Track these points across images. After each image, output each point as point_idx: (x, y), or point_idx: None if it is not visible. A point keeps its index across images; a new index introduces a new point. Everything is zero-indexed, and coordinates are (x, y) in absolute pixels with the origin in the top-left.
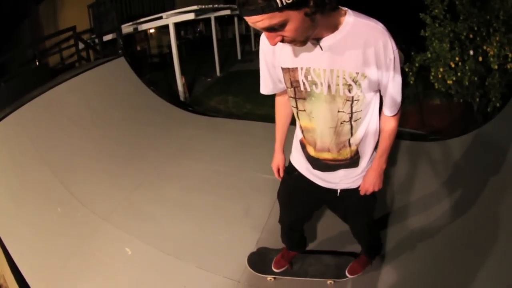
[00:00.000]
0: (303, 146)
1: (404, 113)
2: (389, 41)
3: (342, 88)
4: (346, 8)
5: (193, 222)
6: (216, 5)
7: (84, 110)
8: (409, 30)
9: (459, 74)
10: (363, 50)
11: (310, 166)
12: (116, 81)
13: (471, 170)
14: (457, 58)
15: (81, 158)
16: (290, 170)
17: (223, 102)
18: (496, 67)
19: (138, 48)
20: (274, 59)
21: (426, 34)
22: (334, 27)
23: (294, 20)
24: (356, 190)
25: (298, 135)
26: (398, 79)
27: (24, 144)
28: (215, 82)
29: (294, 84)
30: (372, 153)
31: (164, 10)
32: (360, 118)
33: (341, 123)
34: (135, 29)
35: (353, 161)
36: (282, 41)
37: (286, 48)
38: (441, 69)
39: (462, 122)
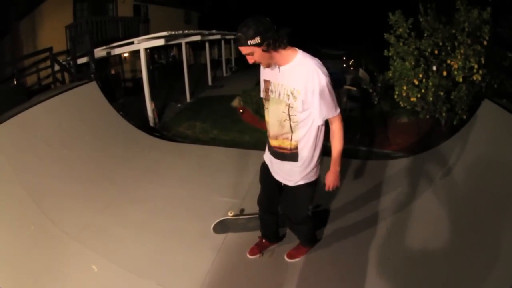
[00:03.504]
0: (268, 139)
1: (369, 133)
2: (316, 74)
3: (285, 97)
4: (297, 49)
5: (154, 242)
6: (186, 31)
7: (57, 132)
8: (376, 51)
9: (423, 90)
10: (300, 76)
11: (270, 154)
12: (87, 105)
13: (432, 185)
14: (420, 75)
15: (53, 179)
16: (263, 162)
17: (191, 127)
18: (461, 79)
19: (113, 72)
20: (262, 75)
21: (390, 54)
22: (288, 59)
23: (257, 52)
24: (292, 188)
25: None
26: (322, 98)
27: (2, 164)
28: (184, 107)
29: (266, 90)
30: (311, 159)
31: (139, 35)
32: (296, 121)
33: (284, 120)
34: (108, 53)
35: (293, 154)
36: (255, 62)
37: (269, 70)
38: (404, 87)
39: (430, 138)
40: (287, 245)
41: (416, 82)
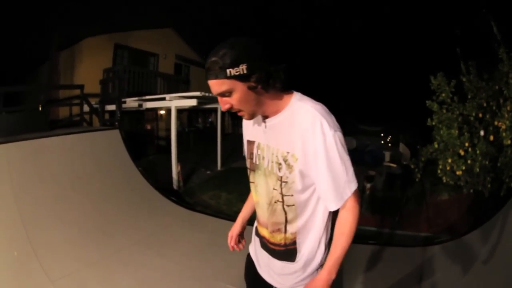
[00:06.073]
0: (256, 224)
1: (408, 214)
2: (319, 124)
3: (275, 166)
4: (293, 92)
5: None
6: None
7: (67, 171)
8: (415, 123)
9: (469, 161)
10: (295, 131)
11: (259, 245)
12: (104, 152)
13: (484, 271)
14: (466, 144)
15: (52, 216)
16: (249, 253)
17: (215, 197)
18: (509, 142)
19: (148, 127)
20: (245, 133)
21: (433, 123)
22: (280, 107)
23: (239, 90)
24: None
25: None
26: (330, 165)
27: (4, 180)
28: (213, 175)
29: (250, 155)
30: (315, 254)
31: (178, 92)
32: (293, 205)
33: (275, 202)
34: (140, 105)
35: (288, 251)
36: (231, 109)
37: (252, 125)
38: (449, 160)
39: (475, 214)
40: None
41: (462, 153)
